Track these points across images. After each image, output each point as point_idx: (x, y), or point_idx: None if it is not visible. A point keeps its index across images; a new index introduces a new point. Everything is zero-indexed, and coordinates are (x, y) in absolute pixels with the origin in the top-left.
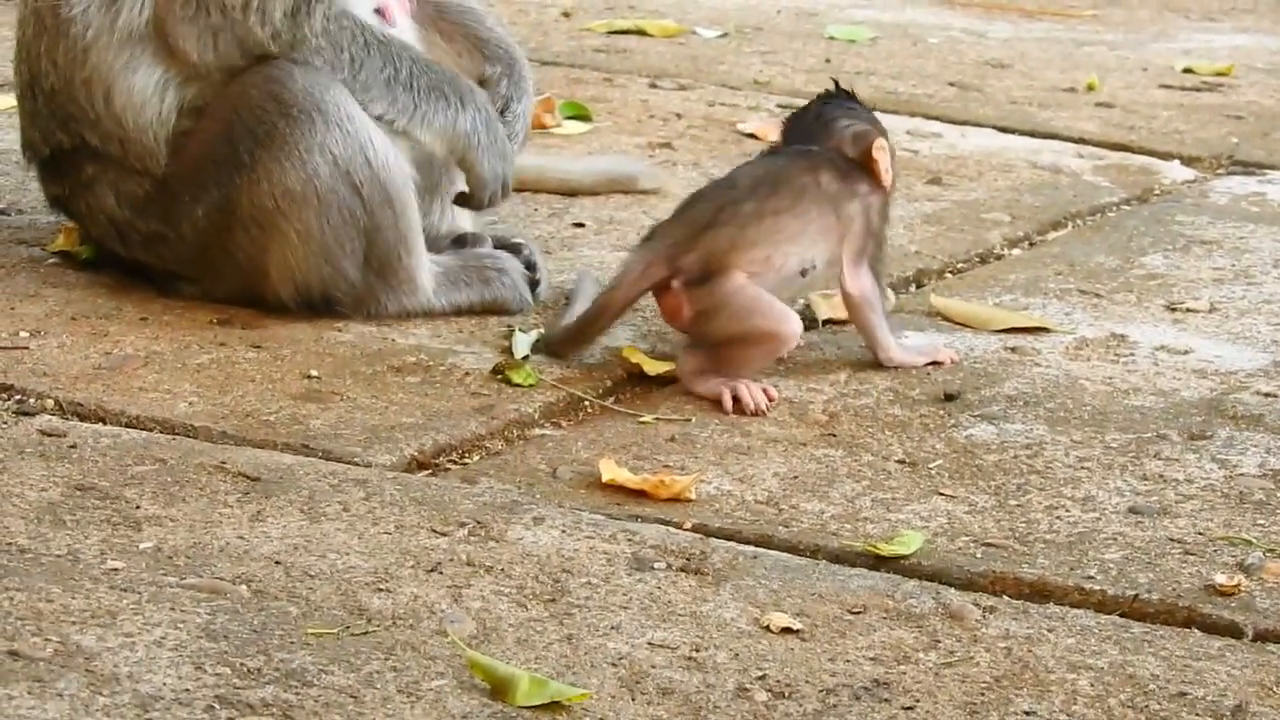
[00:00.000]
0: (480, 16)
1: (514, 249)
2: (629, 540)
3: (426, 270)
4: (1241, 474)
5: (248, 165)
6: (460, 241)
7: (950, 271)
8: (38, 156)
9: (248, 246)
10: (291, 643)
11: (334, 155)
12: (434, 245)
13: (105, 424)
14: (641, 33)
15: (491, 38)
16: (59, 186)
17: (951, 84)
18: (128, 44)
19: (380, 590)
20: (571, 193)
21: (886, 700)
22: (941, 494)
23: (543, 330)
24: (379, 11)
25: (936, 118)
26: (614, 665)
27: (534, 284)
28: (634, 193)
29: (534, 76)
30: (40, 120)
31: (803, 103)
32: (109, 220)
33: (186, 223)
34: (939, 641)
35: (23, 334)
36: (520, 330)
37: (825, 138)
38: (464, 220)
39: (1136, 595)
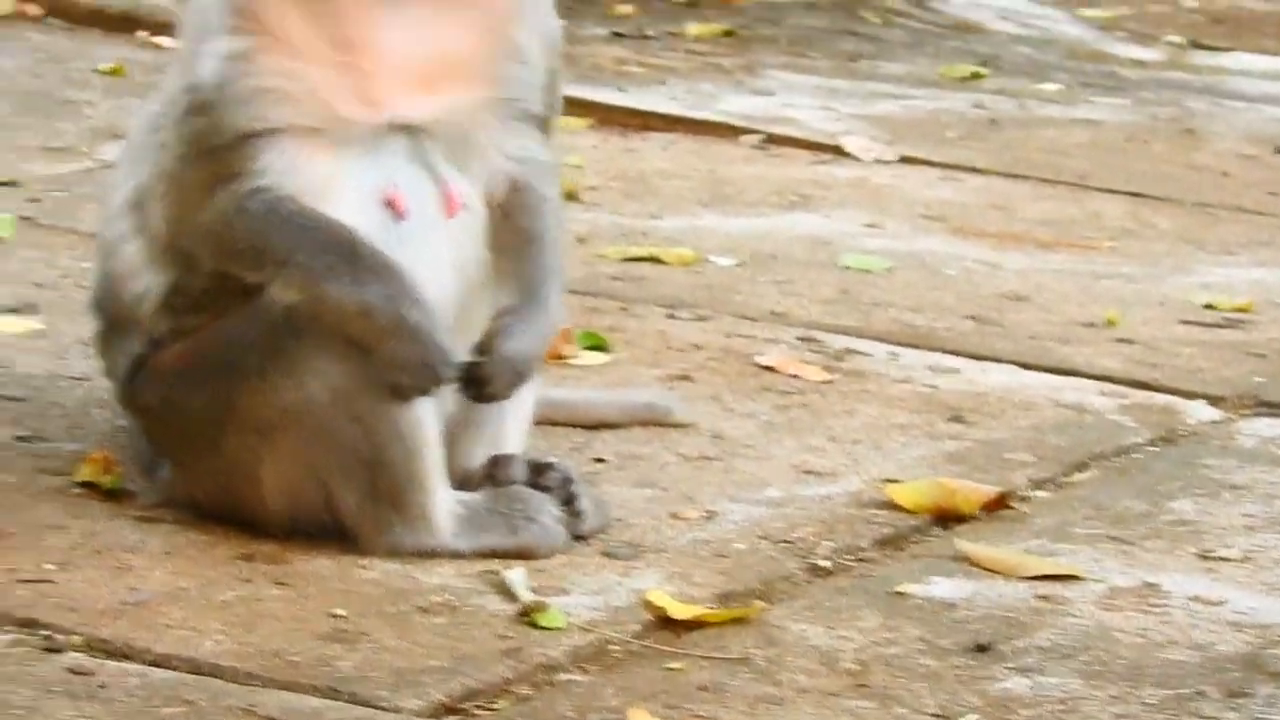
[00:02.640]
0: (536, 235)
1: (549, 470)
2: None
3: (445, 511)
4: None
5: (254, 373)
6: (493, 464)
7: (975, 515)
8: None
9: (241, 450)
10: None
11: (334, 384)
12: (470, 479)
13: (132, 662)
14: (656, 260)
15: (530, 263)
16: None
17: (970, 317)
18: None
19: None
20: (595, 426)
21: None
22: None
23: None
24: (389, 203)
25: (955, 352)
26: None
27: (575, 512)
28: (662, 426)
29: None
30: None
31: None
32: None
33: (176, 407)
34: None
35: (48, 566)
36: (506, 570)
37: None
38: (510, 438)
39: None
